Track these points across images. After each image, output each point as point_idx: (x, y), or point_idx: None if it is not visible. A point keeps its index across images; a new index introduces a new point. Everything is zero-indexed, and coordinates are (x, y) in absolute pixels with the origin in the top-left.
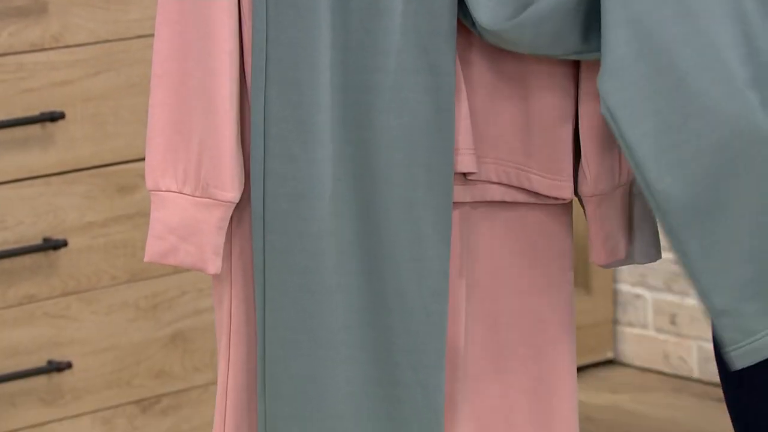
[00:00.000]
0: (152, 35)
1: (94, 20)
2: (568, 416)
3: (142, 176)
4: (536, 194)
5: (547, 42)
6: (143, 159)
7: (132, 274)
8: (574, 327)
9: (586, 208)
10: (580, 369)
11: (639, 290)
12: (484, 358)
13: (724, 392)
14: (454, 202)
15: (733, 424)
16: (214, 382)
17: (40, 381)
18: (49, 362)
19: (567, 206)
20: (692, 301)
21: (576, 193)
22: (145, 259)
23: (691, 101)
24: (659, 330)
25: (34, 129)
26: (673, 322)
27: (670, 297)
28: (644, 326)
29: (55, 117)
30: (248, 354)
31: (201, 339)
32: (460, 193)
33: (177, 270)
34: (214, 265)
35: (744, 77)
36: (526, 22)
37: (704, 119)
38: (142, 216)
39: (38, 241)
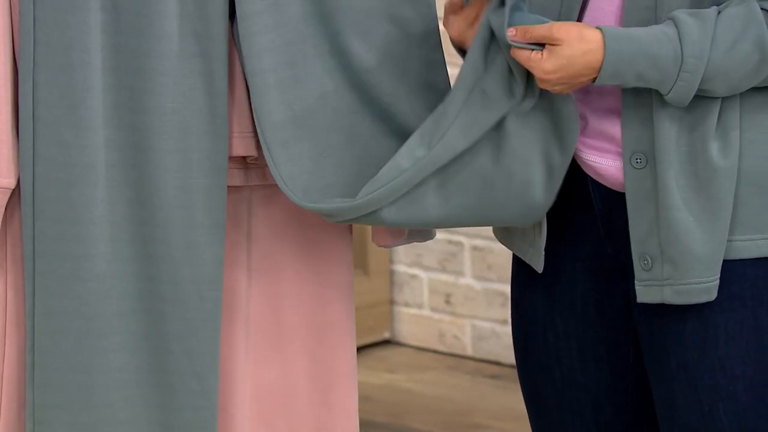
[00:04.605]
0: None
1: None
2: (346, 397)
3: None
4: None
5: None
6: None
7: None
8: (353, 308)
9: None
10: (358, 350)
11: (415, 270)
12: (265, 341)
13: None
14: (232, 186)
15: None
16: None
17: None
18: None
19: None
20: (466, 281)
21: None
22: None
23: None
24: (434, 309)
25: None
26: (447, 301)
27: (444, 277)
28: (420, 306)
29: None
30: (23, 345)
31: None
32: (239, 176)
33: None
34: None
35: None
36: None
37: None
38: None
39: None
